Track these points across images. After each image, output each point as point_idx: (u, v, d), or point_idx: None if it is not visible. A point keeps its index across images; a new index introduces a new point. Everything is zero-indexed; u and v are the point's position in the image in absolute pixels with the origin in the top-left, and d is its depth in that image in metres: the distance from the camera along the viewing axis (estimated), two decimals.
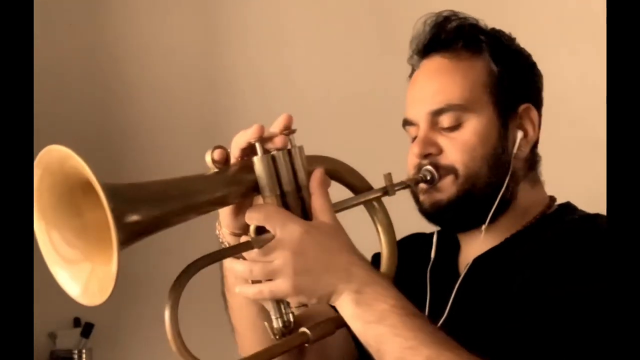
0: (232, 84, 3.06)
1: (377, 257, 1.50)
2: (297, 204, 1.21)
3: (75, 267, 1.10)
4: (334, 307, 1.37)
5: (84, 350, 2.79)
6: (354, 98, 2.99)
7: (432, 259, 1.49)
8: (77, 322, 2.84)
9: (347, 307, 1.20)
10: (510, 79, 1.44)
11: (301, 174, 1.22)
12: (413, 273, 1.41)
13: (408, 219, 1.49)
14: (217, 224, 1.32)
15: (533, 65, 1.49)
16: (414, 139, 1.45)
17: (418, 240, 1.55)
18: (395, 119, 2.87)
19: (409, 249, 1.45)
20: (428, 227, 1.52)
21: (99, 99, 2.93)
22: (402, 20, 2.93)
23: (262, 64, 3.04)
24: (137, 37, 2.99)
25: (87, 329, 2.80)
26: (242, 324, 1.42)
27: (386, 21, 3.04)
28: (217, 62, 3.07)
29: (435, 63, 1.46)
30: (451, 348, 1.17)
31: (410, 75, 1.52)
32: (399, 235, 1.40)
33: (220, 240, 1.32)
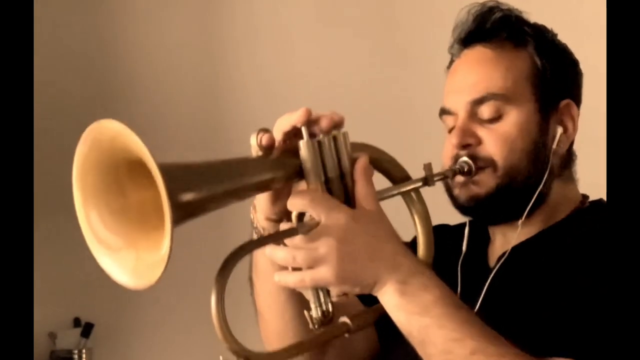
0: (235, 83, 3.05)
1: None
2: (340, 190, 1.19)
3: (119, 255, 1.07)
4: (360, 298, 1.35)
5: (84, 350, 2.78)
6: (357, 96, 2.97)
7: (463, 252, 1.47)
8: (77, 322, 2.84)
9: (391, 297, 1.18)
10: (554, 74, 1.42)
11: (345, 161, 1.20)
12: (442, 265, 1.38)
13: (438, 211, 1.48)
14: (251, 208, 1.30)
15: (575, 62, 1.48)
16: (451, 129, 1.43)
17: (445, 232, 1.52)
18: (399, 117, 2.89)
19: (437, 241, 1.43)
20: (457, 219, 1.50)
21: (99, 99, 2.93)
22: (410, 20, 2.98)
23: (265, 63, 3.03)
24: (138, 36, 3.00)
25: (87, 329, 2.80)
26: (271, 311, 1.40)
27: (393, 21, 3.04)
28: (219, 61, 3.06)
29: (477, 53, 1.44)
30: (497, 341, 1.16)
31: (449, 65, 1.49)
32: None
33: (255, 225, 1.29)
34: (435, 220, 1.46)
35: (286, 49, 3.05)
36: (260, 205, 1.27)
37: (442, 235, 1.42)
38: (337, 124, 1.20)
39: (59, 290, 2.77)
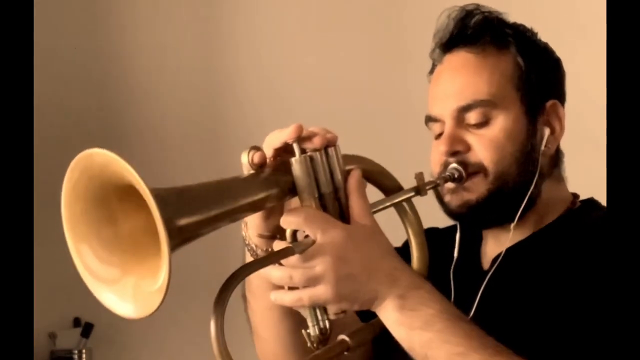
0: (235, 83, 3.05)
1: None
2: (334, 205, 1.18)
3: (118, 286, 1.05)
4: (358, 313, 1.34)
5: (84, 350, 2.80)
6: (359, 98, 2.99)
7: (455, 257, 1.47)
8: (77, 322, 2.84)
9: (390, 313, 1.17)
10: (537, 75, 1.41)
11: (338, 175, 1.19)
12: (434, 271, 1.38)
13: (431, 215, 1.48)
14: (243, 225, 1.27)
15: (558, 60, 1.46)
16: (438, 135, 1.42)
17: (435, 236, 1.50)
18: (398, 117, 2.89)
19: (428, 247, 1.43)
20: (449, 222, 1.50)
21: (99, 100, 2.93)
22: (410, 17, 2.97)
23: (265, 64, 3.03)
24: (137, 37, 3.00)
25: (87, 329, 2.81)
26: (266, 328, 1.38)
27: (392, 19, 3.05)
28: (220, 62, 3.06)
29: (460, 58, 1.42)
30: (501, 352, 1.15)
31: (431, 70, 1.48)
32: None
33: (247, 242, 1.27)
34: (428, 224, 1.47)
35: (284, 50, 3.05)
36: (253, 222, 1.25)
37: (432, 240, 1.42)
38: (330, 143, 1.18)
39: (59, 290, 2.76)
